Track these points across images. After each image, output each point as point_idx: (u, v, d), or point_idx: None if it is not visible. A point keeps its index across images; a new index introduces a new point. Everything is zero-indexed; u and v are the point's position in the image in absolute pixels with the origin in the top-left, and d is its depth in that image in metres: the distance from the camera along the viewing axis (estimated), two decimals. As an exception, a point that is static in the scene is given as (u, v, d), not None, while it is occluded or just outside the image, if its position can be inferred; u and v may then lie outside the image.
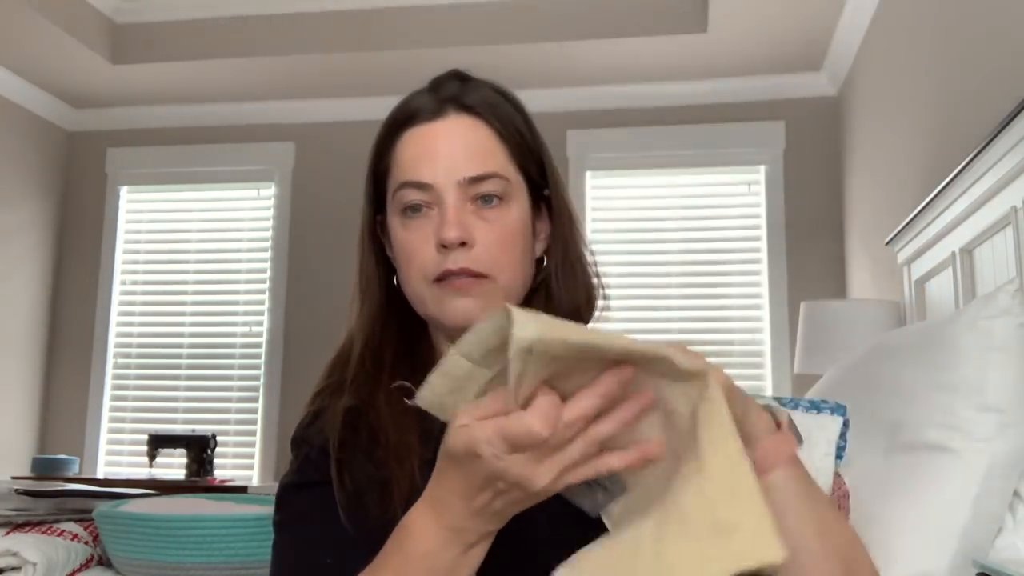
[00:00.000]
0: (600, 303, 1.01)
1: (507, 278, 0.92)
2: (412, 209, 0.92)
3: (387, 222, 0.96)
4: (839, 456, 1.41)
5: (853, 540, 0.82)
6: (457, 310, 0.91)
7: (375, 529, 0.84)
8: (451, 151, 0.91)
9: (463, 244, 0.89)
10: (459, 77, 0.97)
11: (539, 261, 0.99)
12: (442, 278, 0.90)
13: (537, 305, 0.96)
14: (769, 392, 3.91)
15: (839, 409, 1.44)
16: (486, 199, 0.91)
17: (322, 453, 0.92)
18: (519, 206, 0.94)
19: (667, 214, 4.21)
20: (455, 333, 0.90)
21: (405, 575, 0.73)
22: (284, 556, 0.91)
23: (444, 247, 0.89)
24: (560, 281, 0.98)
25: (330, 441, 0.91)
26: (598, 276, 1.01)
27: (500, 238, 0.91)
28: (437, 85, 0.96)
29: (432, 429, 0.88)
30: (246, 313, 4.51)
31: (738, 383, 0.76)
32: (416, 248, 0.91)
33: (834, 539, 0.78)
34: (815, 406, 1.47)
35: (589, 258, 1.01)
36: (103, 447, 4.48)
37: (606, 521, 0.71)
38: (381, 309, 0.98)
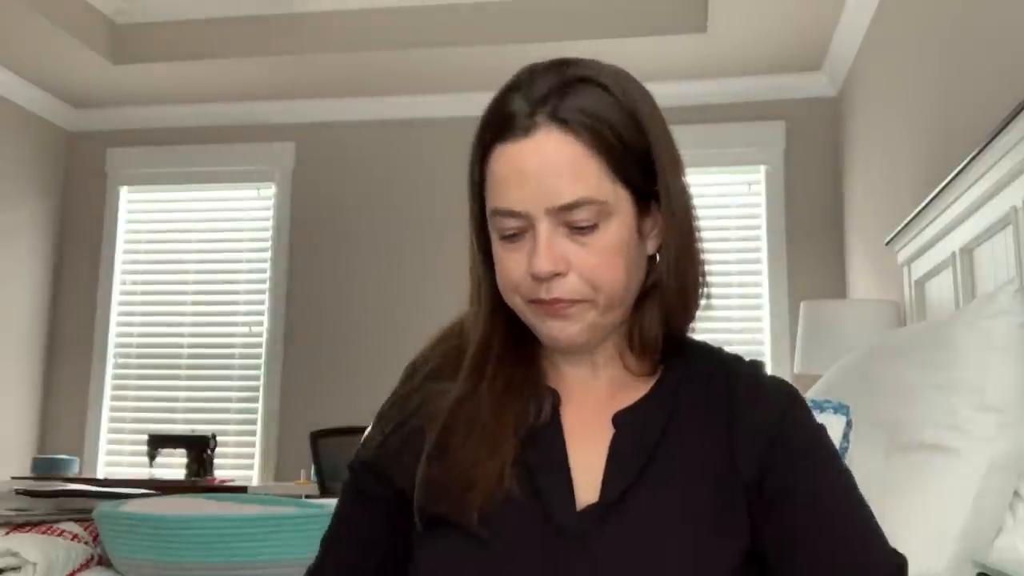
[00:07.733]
0: (703, 302, 0.95)
1: (608, 295, 0.88)
2: (508, 235, 0.88)
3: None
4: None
5: None
6: (553, 331, 0.89)
7: (449, 524, 0.85)
8: (540, 173, 0.85)
9: (557, 274, 0.86)
10: (558, 68, 0.89)
11: (652, 258, 0.94)
12: (537, 302, 0.88)
13: (650, 308, 0.93)
14: (769, 392, 3.90)
15: (842, 409, 1.44)
16: (580, 228, 0.86)
17: (403, 443, 0.93)
18: (619, 221, 0.88)
19: (667, 214, 4.20)
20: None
21: None
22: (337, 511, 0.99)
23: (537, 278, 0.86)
24: (671, 282, 0.92)
25: (427, 426, 0.91)
26: (704, 274, 0.95)
27: (597, 262, 0.86)
28: (532, 78, 0.88)
29: (527, 427, 0.89)
30: (246, 313, 4.51)
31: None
32: (511, 269, 0.88)
33: None
34: (818, 406, 1.47)
35: (700, 255, 0.95)
36: (103, 447, 4.48)
37: None
38: (491, 303, 0.95)
